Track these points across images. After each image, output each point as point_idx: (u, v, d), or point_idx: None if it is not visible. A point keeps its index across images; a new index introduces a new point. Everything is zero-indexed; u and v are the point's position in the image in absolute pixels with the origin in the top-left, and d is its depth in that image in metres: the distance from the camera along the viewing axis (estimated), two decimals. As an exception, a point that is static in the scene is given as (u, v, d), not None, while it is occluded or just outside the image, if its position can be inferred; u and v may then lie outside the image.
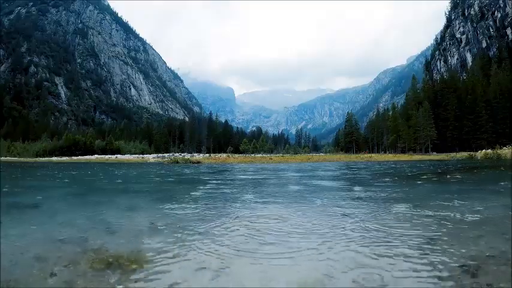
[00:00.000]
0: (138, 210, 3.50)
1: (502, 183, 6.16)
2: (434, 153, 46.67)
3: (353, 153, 60.64)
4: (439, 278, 1.45)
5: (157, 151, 64.17)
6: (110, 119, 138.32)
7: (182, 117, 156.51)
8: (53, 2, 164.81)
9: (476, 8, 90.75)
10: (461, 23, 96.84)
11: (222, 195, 5.05)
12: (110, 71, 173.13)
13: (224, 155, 41.80)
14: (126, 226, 2.65)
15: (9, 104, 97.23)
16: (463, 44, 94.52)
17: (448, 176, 8.80)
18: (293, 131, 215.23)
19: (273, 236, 2.27)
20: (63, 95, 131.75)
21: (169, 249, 1.96)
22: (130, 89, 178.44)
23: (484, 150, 25.09)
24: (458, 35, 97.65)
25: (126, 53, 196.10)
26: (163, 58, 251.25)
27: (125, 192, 5.97)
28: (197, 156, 32.88)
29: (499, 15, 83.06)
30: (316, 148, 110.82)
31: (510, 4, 79.24)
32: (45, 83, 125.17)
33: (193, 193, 5.37)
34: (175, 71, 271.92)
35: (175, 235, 2.31)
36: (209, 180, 8.32)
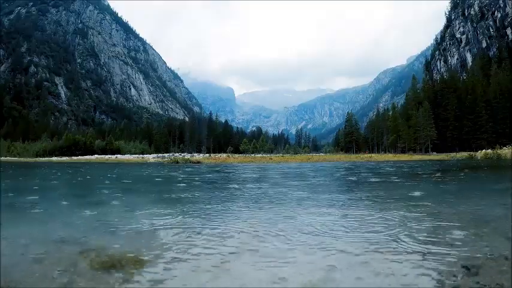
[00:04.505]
0: (138, 211, 3.50)
1: (502, 183, 6.16)
2: (434, 153, 46.64)
3: (353, 153, 60.62)
4: (439, 277, 1.45)
5: (157, 151, 64.13)
6: (110, 119, 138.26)
7: (182, 117, 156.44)
8: (53, 2, 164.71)
9: (476, 8, 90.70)
10: (461, 23, 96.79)
11: (219, 193, 5.05)
12: (110, 71, 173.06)
13: (224, 155, 41.79)
14: (126, 226, 2.64)
15: (9, 104, 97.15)
16: (463, 44, 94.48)
17: (448, 176, 8.80)
18: (293, 131, 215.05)
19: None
20: (63, 95, 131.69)
21: (170, 249, 1.96)
22: (130, 89, 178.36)
23: (484, 150, 25.08)
24: (458, 35, 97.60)
25: (126, 53, 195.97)
26: (163, 58, 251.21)
27: (124, 192, 5.97)
28: (197, 156, 32.87)
29: (499, 15, 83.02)
30: (316, 148, 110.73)
31: (510, 4, 79.19)
32: (45, 83, 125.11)
33: (191, 193, 5.37)
34: (175, 71, 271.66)
35: (176, 235, 2.31)
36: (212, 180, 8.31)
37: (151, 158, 34.22)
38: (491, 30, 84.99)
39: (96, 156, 42.62)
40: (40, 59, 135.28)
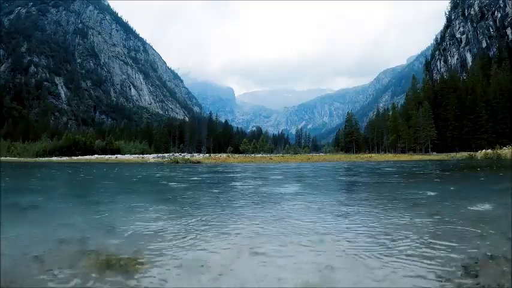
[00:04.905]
0: (138, 211, 3.50)
1: (502, 183, 6.16)
2: (434, 153, 46.64)
3: (353, 153, 60.62)
4: (439, 278, 1.45)
5: (157, 151, 64.12)
6: (110, 119, 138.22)
7: (182, 117, 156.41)
8: (53, 2, 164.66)
9: (476, 8, 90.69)
10: (461, 23, 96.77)
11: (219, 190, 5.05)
12: (110, 71, 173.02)
13: (224, 155, 41.78)
14: (126, 226, 2.64)
15: (9, 104, 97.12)
16: (463, 44, 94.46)
17: (448, 176, 8.80)
18: (293, 131, 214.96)
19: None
20: (63, 95, 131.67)
21: (170, 249, 1.96)
22: (130, 89, 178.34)
23: (484, 150, 25.07)
24: (458, 35, 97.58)
25: (126, 53, 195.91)
26: (163, 58, 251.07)
27: (124, 192, 5.97)
28: (197, 156, 32.86)
29: (499, 15, 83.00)
30: (316, 148, 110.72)
31: (510, 4, 79.18)
32: (45, 83, 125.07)
33: (191, 193, 5.37)
34: (175, 71, 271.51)
35: (175, 235, 2.31)
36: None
37: (151, 158, 34.21)
38: (491, 30, 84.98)
39: (96, 156, 42.60)
40: (40, 59, 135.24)
